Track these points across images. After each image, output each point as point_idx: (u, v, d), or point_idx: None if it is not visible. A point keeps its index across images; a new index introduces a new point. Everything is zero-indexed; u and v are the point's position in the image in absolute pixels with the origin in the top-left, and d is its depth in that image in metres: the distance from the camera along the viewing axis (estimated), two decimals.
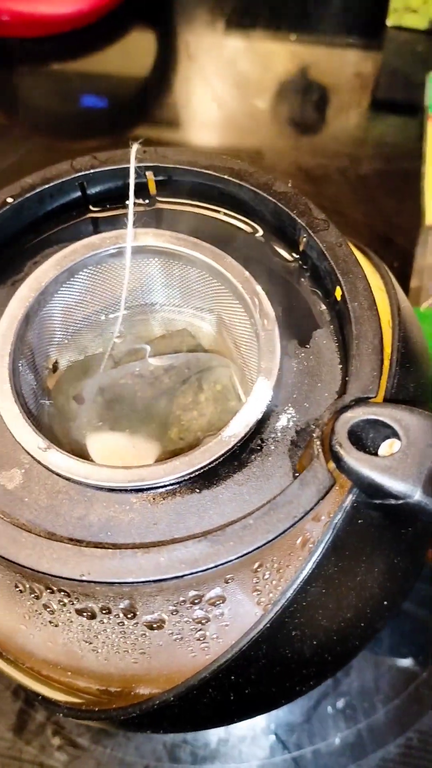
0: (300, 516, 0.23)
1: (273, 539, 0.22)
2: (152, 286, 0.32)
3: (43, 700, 0.28)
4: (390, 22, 0.68)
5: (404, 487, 0.23)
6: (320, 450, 0.23)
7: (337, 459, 0.23)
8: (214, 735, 0.42)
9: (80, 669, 0.25)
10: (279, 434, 0.26)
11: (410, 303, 0.52)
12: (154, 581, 0.22)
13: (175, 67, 0.73)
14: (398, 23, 0.67)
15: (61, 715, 0.29)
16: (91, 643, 0.25)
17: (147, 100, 0.70)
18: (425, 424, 0.23)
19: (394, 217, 0.58)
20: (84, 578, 0.22)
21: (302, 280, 0.29)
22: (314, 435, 0.24)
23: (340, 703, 0.43)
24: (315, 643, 0.26)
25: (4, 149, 0.68)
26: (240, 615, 0.24)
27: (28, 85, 0.71)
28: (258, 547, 0.22)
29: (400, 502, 0.23)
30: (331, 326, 0.28)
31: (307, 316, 0.28)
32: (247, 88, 0.69)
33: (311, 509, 0.23)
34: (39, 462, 0.25)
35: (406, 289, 0.52)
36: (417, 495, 0.23)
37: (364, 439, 0.24)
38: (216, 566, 0.22)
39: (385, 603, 0.28)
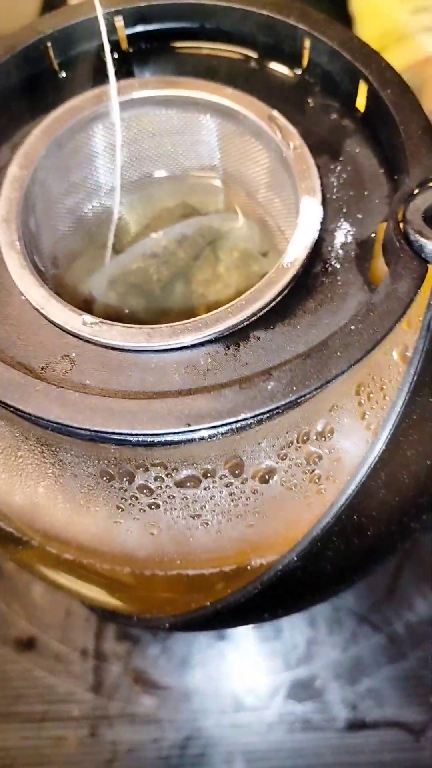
0: (403, 309, 0.20)
1: (382, 338, 0.20)
2: (147, 151, 0.29)
3: (144, 620, 0.26)
4: None
5: None
6: (401, 241, 0.21)
7: (420, 247, 0.21)
8: (300, 636, 0.40)
9: (190, 553, 0.23)
10: (341, 252, 0.23)
11: None
12: (268, 412, 0.19)
13: None
14: None
15: (166, 626, 0.27)
16: (199, 517, 0.22)
17: None
18: None
19: None
20: (190, 428, 0.19)
21: (312, 96, 0.26)
22: (387, 230, 0.22)
23: (419, 572, 0.41)
24: (429, 462, 0.24)
25: None
26: (351, 445, 0.22)
27: None
28: (370, 350, 0.20)
29: None
30: (359, 134, 0.25)
31: (328, 131, 0.26)
32: None
33: (412, 300, 0.20)
34: (90, 341, 0.22)
35: None
36: None
37: None
38: (329, 381, 0.19)
39: None
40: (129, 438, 0.20)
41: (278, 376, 0.19)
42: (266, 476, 0.22)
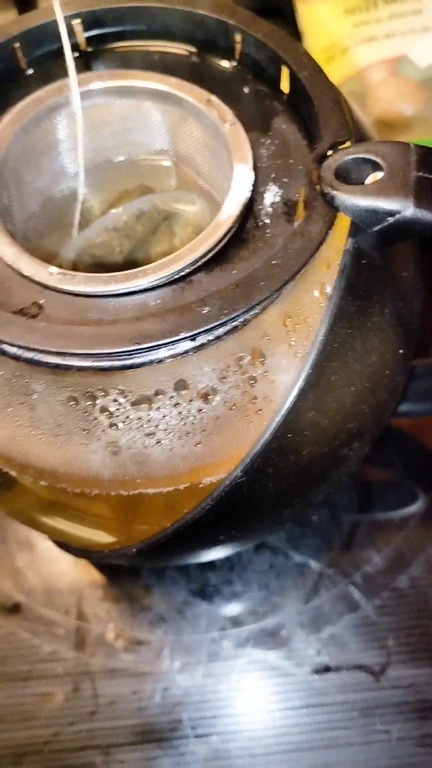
0: (316, 246, 0.24)
1: (302, 267, 0.24)
2: (106, 138, 0.32)
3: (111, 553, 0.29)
4: None
5: (397, 203, 0.24)
6: (315, 194, 0.25)
7: (332, 198, 0.25)
8: (267, 590, 0.43)
9: (149, 472, 0.26)
10: (270, 210, 0.27)
11: None
12: (204, 332, 0.23)
13: None
14: None
15: (133, 552, 0.30)
16: (154, 435, 0.25)
17: None
18: (401, 148, 0.25)
19: None
20: (138, 346, 0.23)
21: (246, 84, 0.31)
22: (304, 188, 0.26)
23: (371, 527, 0.45)
24: (352, 389, 0.27)
25: None
26: (282, 369, 0.26)
27: None
28: (288, 280, 0.23)
29: (397, 217, 0.25)
30: (285, 113, 0.29)
31: (259, 112, 0.30)
32: None
33: (324, 239, 0.24)
34: (56, 289, 0.26)
35: None
36: (410, 209, 0.25)
37: (349, 180, 0.26)
38: (255, 305, 0.23)
39: (401, 351, 0.30)
40: (88, 363, 0.23)
41: (212, 302, 0.23)
42: (209, 396, 0.25)
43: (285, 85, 0.29)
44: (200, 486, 0.27)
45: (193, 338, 0.23)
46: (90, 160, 0.33)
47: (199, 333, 0.23)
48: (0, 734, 0.41)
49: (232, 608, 0.43)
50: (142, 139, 0.33)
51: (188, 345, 0.24)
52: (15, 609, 0.44)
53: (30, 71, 0.31)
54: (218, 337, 0.24)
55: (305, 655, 0.42)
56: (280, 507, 0.30)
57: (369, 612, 0.42)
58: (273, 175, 0.28)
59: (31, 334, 0.23)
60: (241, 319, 0.23)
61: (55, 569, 0.45)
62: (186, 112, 0.30)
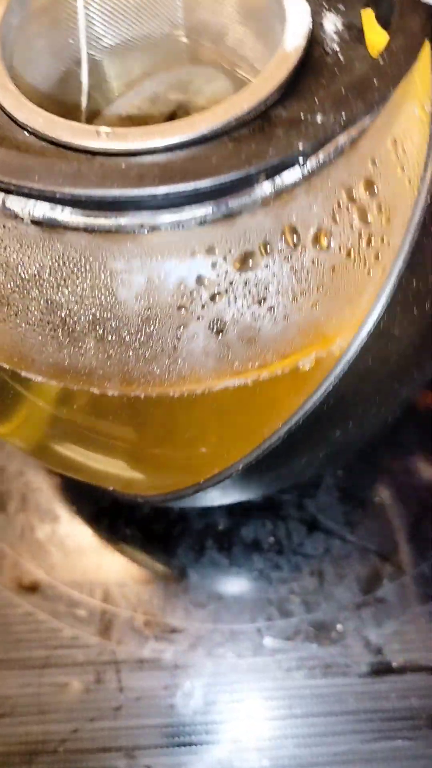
0: (420, 41, 0.21)
1: (412, 64, 0.21)
2: (114, 15, 0.29)
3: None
4: None
5: None
6: None
7: None
8: (321, 577, 0.38)
9: (263, 346, 0.22)
10: (334, 36, 0.24)
11: None
12: (323, 144, 0.20)
13: None
14: None
15: (241, 467, 0.25)
16: (264, 301, 0.21)
17: None
18: None
19: None
20: (246, 169, 0.19)
21: None
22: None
23: None
24: None
25: None
26: (398, 201, 0.22)
27: None
28: (403, 75, 0.20)
29: None
30: None
31: None
32: None
33: (428, 33, 0.21)
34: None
35: None
36: None
37: None
38: (377, 104, 0.20)
39: None
40: (172, 217, 0.20)
41: (323, 109, 0.20)
42: (323, 242, 0.21)
43: None
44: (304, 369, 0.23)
45: (304, 158, 0.20)
46: (95, 43, 0.29)
47: (318, 146, 0.19)
48: (11, 728, 0.35)
49: (281, 596, 0.38)
50: (151, 12, 0.29)
51: (295, 175, 0.20)
52: (34, 587, 0.39)
53: None
54: (326, 162, 0.20)
55: (363, 652, 0.36)
56: (396, 386, 0.25)
57: None
58: (325, 4, 0.25)
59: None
60: (358, 128, 0.20)
61: (80, 543, 0.40)
62: None
